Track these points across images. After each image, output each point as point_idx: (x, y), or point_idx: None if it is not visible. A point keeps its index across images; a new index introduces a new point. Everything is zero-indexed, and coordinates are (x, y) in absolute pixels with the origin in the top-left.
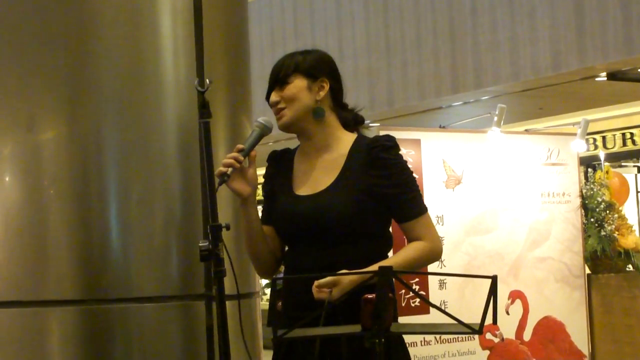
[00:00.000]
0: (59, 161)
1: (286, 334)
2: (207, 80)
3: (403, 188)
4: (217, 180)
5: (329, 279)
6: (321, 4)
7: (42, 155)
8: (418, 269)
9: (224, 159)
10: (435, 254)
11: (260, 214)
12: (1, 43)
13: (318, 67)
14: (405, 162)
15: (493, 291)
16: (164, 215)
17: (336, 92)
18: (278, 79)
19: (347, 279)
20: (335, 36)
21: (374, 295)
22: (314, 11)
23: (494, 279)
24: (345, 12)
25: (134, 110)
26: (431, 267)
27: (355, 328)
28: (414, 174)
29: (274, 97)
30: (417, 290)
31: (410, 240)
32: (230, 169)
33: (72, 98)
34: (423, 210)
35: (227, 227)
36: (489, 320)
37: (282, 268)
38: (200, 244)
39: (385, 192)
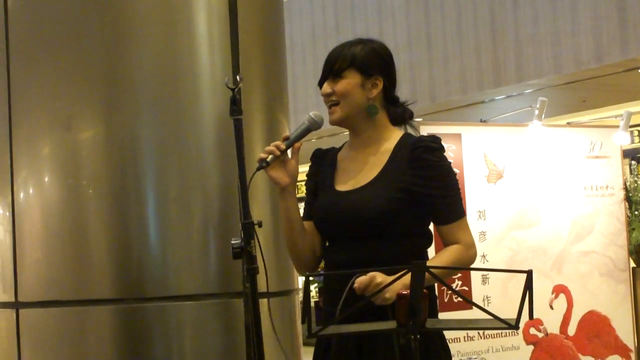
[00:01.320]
0: (97, 160)
1: (321, 330)
2: (238, 77)
3: (442, 191)
4: (257, 165)
5: (364, 278)
6: None
7: (81, 154)
8: (454, 272)
9: (266, 147)
10: (470, 259)
11: (302, 210)
12: (38, 44)
13: (373, 63)
14: (449, 164)
15: (529, 286)
16: (201, 213)
17: (388, 88)
18: (332, 70)
19: (399, 283)
20: (376, 31)
21: (408, 291)
22: (354, 6)
23: (529, 273)
24: (386, 7)
25: (170, 109)
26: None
27: (391, 324)
28: (455, 169)
29: (326, 88)
30: (460, 285)
31: (446, 243)
32: (270, 157)
33: (109, 97)
34: (461, 214)
35: (260, 224)
36: (525, 315)
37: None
38: (232, 242)
39: (424, 193)
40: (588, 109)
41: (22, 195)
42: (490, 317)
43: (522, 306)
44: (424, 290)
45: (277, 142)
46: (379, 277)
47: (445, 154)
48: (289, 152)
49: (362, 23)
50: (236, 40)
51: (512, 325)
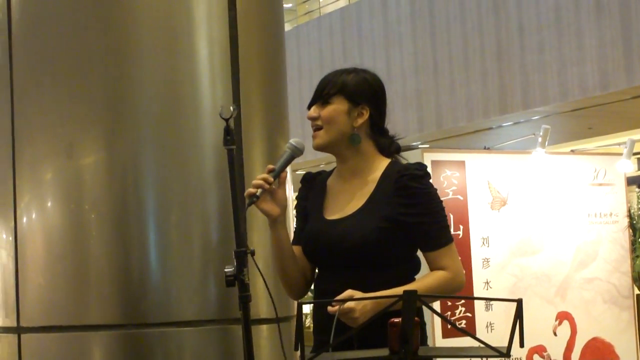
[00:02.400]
0: (99, 186)
1: (313, 358)
2: (231, 107)
3: (428, 217)
4: (247, 200)
5: (347, 304)
6: (369, 26)
7: (83, 180)
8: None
9: (253, 180)
10: (456, 285)
11: (292, 234)
12: (41, 71)
13: (362, 92)
14: (435, 190)
15: (519, 315)
16: (202, 239)
17: (376, 119)
18: (321, 95)
19: (370, 304)
20: (383, 58)
21: (400, 319)
22: (362, 33)
23: (519, 302)
24: (393, 34)
25: (171, 136)
26: (476, 289)
27: (383, 352)
28: (459, 196)
29: (312, 112)
30: (463, 312)
31: (432, 270)
32: (259, 190)
33: (110, 124)
34: (448, 240)
35: (252, 253)
36: (516, 343)
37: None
38: (225, 270)
39: (409, 220)
40: (594, 136)
41: (24, 220)
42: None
43: (512, 334)
44: (416, 318)
45: (264, 175)
46: (352, 304)
47: (431, 180)
48: (275, 182)
49: (370, 50)
50: (237, 67)
51: (503, 353)
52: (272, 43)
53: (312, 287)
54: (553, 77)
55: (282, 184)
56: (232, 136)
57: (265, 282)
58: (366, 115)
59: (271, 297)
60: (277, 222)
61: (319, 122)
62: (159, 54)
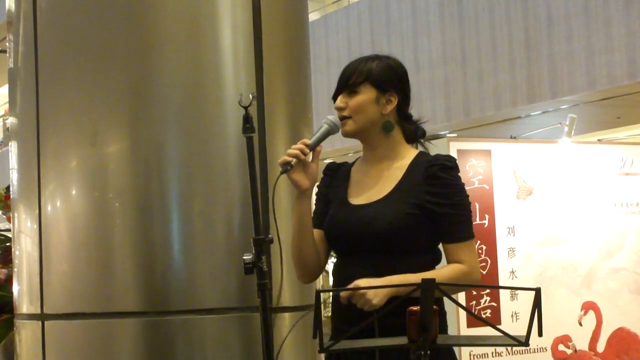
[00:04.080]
0: (123, 174)
1: (332, 345)
2: (250, 95)
3: (453, 209)
4: (281, 168)
5: (353, 286)
6: (397, 14)
7: (107, 168)
8: (461, 288)
9: (288, 149)
10: (472, 281)
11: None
12: (65, 60)
13: (389, 79)
14: (463, 184)
15: (537, 304)
16: (225, 227)
17: (402, 105)
18: (347, 84)
19: (385, 292)
20: (411, 46)
21: (418, 307)
22: (390, 22)
23: (538, 291)
24: (422, 23)
25: (195, 124)
26: (502, 278)
27: (402, 340)
28: (485, 185)
29: (340, 102)
30: (488, 301)
31: (449, 263)
32: (294, 160)
33: (134, 112)
34: (470, 235)
35: (271, 241)
36: (534, 333)
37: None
38: (244, 257)
39: (437, 210)
40: (622, 125)
41: (49, 208)
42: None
43: (531, 323)
44: (434, 306)
45: (301, 146)
46: (362, 283)
47: (459, 174)
48: (309, 155)
49: (398, 38)
50: (260, 57)
51: (522, 342)
52: (296, 31)
53: (332, 275)
54: (581, 66)
55: (316, 157)
56: (251, 124)
57: (282, 269)
58: (395, 102)
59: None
60: (304, 195)
61: (346, 113)
62: (183, 42)
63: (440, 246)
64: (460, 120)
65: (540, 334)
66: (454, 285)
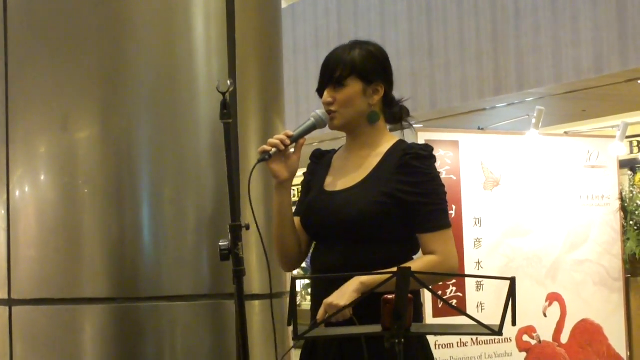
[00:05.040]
0: (93, 160)
1: (306, 333)
2: (229, 81)
3: (426, 198)
4: (259, 156)
5: (325, 301)
6: (365, 5)
7: (77, 154)
8: (436, 278)
9: (270, 139)
10: (445, 270)
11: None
12: (37, 44)
13: (374, 70)
14: (438, 174)
15: (512, 293)
16: (195, 214)
17: (388, 92)
18: (333, 78)
19: (351, 284)
20: (379, 37)
21: (393, 295)
22: (357, 12)
23: (512, 280)
24: (389, 13)
25: (167, 111)
26: (468, 269)
27: (376, 328)
28: (452, 176)
29: (327, 97)
30: (454, 291)
31: (424, 253)
32: (273, 150)
33: (106, 98)
34: (444, 225)
35: (247, 227)
36: (508, 322)
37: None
38: (220, 243)
39: (408, 199)
40: (588, 119)
41: (17, 193)
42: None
43: (505, 312)
44: (409, 295)
45: (282, 137)
46: (330, 299)
47: (435, 163)
48: (291, 147)
49: (365, 28)
50: (233, 43)
51: (495, 332)
52: (269, 19)
53: (309, 263)
54: (548, 59)
55: (298, 150)
56: (228, 110)
57: (267, 258)
58: (381, 92)
59: (269, 272)
60: (283, 186)
61: (334, 107)
62: (155, 27)
63: None
64: (427, 111)
65: (514, 323)
66: (429, 274)
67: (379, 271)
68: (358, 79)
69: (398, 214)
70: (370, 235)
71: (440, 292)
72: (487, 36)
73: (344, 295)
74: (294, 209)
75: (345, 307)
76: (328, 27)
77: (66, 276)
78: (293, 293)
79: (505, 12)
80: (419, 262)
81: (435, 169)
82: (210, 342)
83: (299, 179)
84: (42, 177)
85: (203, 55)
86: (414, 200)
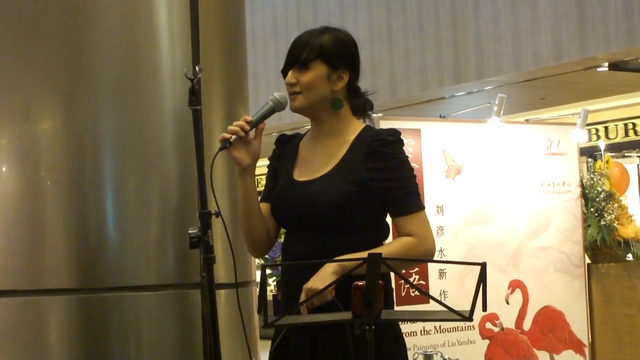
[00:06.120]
0: (56, 151)
1: (276, 321)
2: (197, 68)
3: (397, 182)
4: (219, 145)
5: (305, 286)
6: None
7: (39, 145)
8: (408, 263)
9: (229, 126)
10: (424, 252)
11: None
12: None
13: (341, 56)
14: (406, 157)
15: (483, 279)
16: (160, 204)
17: (353, 81)
18: (299, 60)
19: (329, 267)
20: (338, 25)
21: (364, 282)
22: (316, 1)
23: (483, 266)
24: (348, 2)
25: (130, 100)
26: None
27: (346, 315)
28: (414, 164)
29: (290, 77)
30: (417, 279)
31: (400, 236)
32: (233, 137)
33: (68, 88)
34: (418, 207)
35: (217, 214)
36: (479, 307)
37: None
38: (189, 231)
39: (379, 185)
40: (547, 107)
41: None
42: (444, 309)
43: (476, 298)
44: (379, 282)
45: (241, 123)
46: (309, 283)
47: (403, 147)
48: (252, 132)
49: (324, 17)
50: (197, 31)
51: (466, 317)
52: (233, 6)
53: (281, 252)
54: (507, 48)
55: (259, 135)
56: (197, 96)
57: (231, 246)
58: (346, 79)
59: (234, 261)
60: (246, 172)
61: (297, 88)
62: (118, 16)
63: (390, 222)
64: (387, 100)
65: (484, 308)
66: (400, 260)
67: (349, 257)
68: (323, 63)
69: (369, 201)
70: (342, 223)
71: (401, 282)
72: (446, 25)
73: (322, 278)
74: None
75: (323, 289)
76: (287, 16)
77: (29, 267)
78: (263, 281)
79: (464, 0)
80: (395, 243)
81: (404, 152)
82: (175, 332)
83: (260, 169)
84: (4, 169)
85: (166, 43)
86: (386, 185)
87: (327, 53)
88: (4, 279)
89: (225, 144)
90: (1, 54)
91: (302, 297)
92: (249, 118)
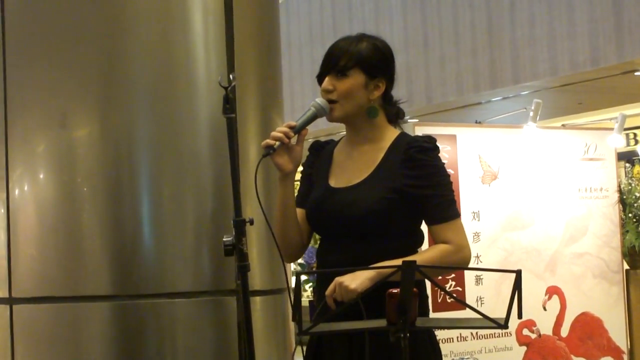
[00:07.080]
0: (92, 158)
1: (310, 328)
2: (231, 76)
3: (433, 190)
4: (263, 151)
5: (336, 279)
6: None
7: (76, 152)
8: (443, 271)
9: (272, 132)
10: (458, 259)
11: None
12: (35, 41)
13: (379, 65)
14: (443, 164)
15: (518, 286)
16: (195, 211)
17: (389, 89)
18: (337, 67)
19: (364, 271)
20: (373, 31)
21: (398, 289)
22: (351, 7)
23: (518, 273)
24: (383, 8)
25: (166, 107)
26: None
27: (381, 323)
28: (450, 170)
29: (327, 84)
30: (453, 286)
31: (436, 243)
32: (277, 143)
33: (104, 95)
34: (454, 215)
35: (251, 222)
36: (514, 315)
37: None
38: (224, 239)
39: (415, 192)
40: (584, 111)
41: (17, 192)
42: (480, 316)
43: (511, 306)
44: (414, 289)
45: (285, 129)
46: (342, 278)
47: (439, 154)
48: (293, 138)
49: (360, 23)
50: (231, 39)
51: (501, 325)
52: (268, 14)
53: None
54: (543, 52)
55: (301, 141)
56: (231, 105)
57: (279, 248)
58: (382, 88)
59: (284, 265)
60: (287, 178)
61: (333, 96)
62: (153, 24)
63: (425, 229)
64: (422, 106)
65: (519, 315)
66: (434, 268)
67: (384, 265)
68: (362, 71)
69: (405, 209)
70: (378, 230)
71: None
72: (482, 29)
73: (357, 279)
74: None
75: (359, 295)
76: (322, 23)
77: (67, 274)
78: (298, 288)
79: (500, 5)
80: (431, 251)
81: (440, 159)
82: (211, 338)
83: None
84: (41, 176)
85: (201, 51)
86: (422, 193)
87: (366, 62)
88: (41, 286)
89: (269, 150)
90: (38, 61)
91: (331, 287)
92: (293, 124)
